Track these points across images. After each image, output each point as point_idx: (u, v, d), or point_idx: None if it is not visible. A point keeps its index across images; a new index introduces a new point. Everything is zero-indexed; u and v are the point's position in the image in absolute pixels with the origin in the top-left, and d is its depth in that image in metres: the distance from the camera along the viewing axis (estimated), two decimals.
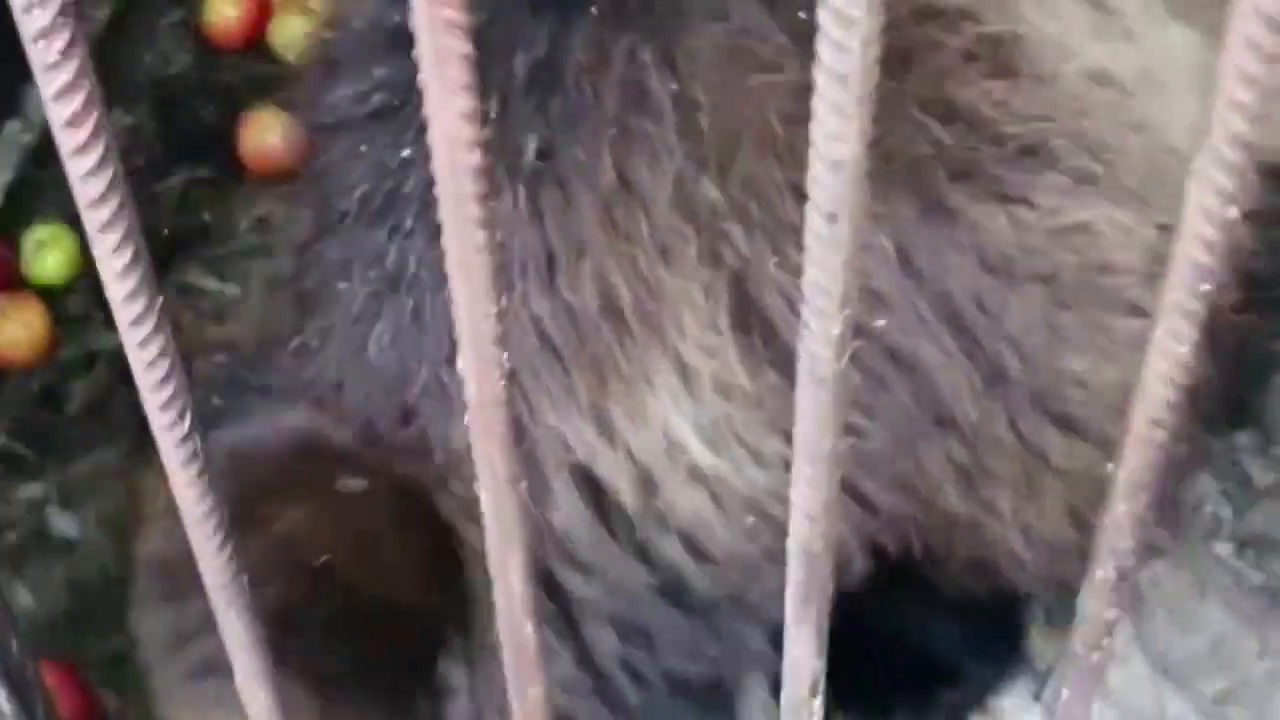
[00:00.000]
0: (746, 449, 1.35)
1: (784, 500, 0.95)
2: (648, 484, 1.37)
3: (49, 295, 2.47)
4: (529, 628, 0.94)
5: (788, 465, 0.88)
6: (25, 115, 2.73)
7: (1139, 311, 1.41)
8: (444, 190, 0.67)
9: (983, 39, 1.38)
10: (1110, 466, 0.85)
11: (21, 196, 2.64)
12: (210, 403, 1.33)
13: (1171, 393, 0.76)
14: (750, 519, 1.37)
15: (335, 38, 1.52)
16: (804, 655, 0.96)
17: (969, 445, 1.44)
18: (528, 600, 0.92)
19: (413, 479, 1.29)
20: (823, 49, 0.60)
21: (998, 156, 1.37)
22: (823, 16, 0.58)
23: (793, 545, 0.89)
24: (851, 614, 1.87)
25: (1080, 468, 1.48)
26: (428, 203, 1.28)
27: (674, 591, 1.38)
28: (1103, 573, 0.90)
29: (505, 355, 0.78)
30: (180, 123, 2.74)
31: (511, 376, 0.81)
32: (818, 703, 0.99)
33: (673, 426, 1.35)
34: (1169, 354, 0.74)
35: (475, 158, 0.65)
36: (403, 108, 1.38)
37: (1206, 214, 0.66)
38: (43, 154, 2.68)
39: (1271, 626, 1.78)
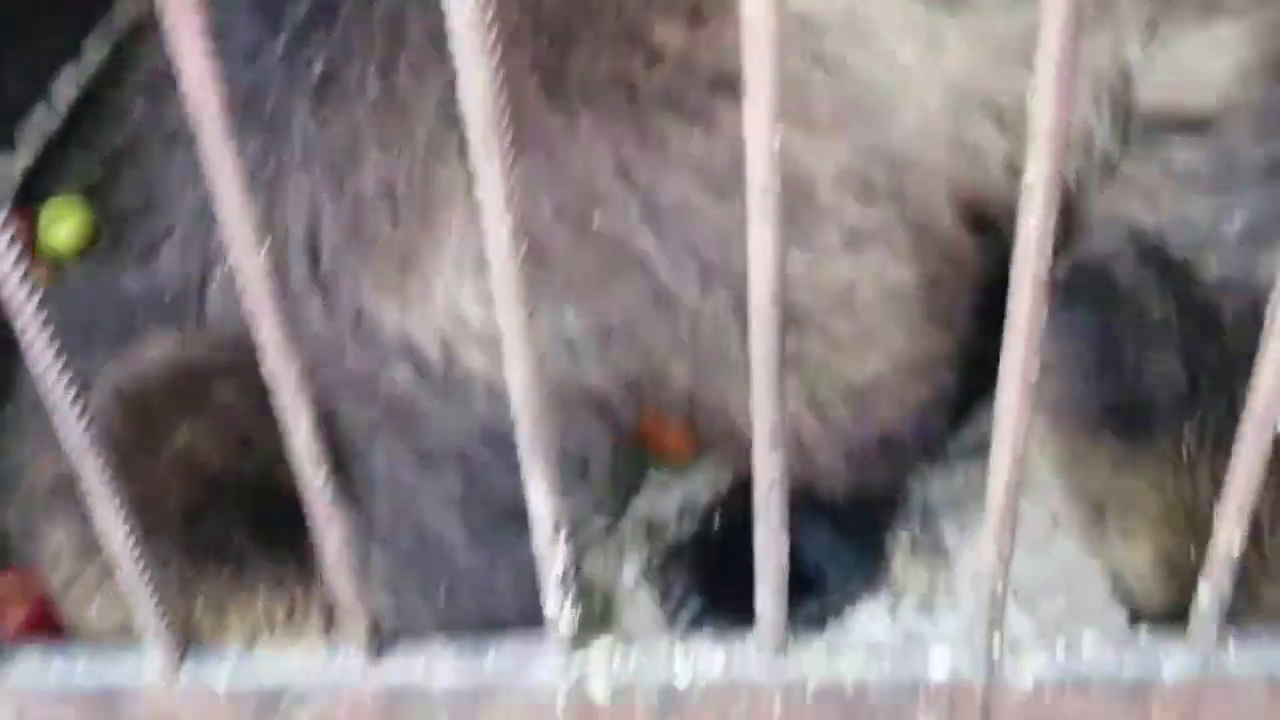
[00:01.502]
0: None
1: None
2: (448, 349, 1.60)
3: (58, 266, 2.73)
4: (319, 480, 1.17)
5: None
6: (50, 103, 3.04)
7: (838, 220, 1.62)
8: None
9: None
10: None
11: (41, 175, 2.94)
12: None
13: None
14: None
15: None
16: (541, 502, 1.17)
17: (694, 325, 1.64)
18: (315, 452, 1.15)
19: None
20: None
21: (695, 86, 1.58)
22: None
23: (519, 405, 1.11)
24: (726, 520, 2.09)
25: (810, 361, 1.68)
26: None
27: (492, 438, 1.59)
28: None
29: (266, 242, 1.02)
30: None
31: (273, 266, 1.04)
32: (562, 543, 1.20)
33: (456, 300, 1.58)
34: None
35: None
36: None
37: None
38: (64, 137, 2.98)
39: None
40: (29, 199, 2.90)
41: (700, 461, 2.25)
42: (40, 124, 3.03)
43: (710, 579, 2.07)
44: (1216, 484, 1.48)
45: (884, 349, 1.75)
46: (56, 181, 2.95)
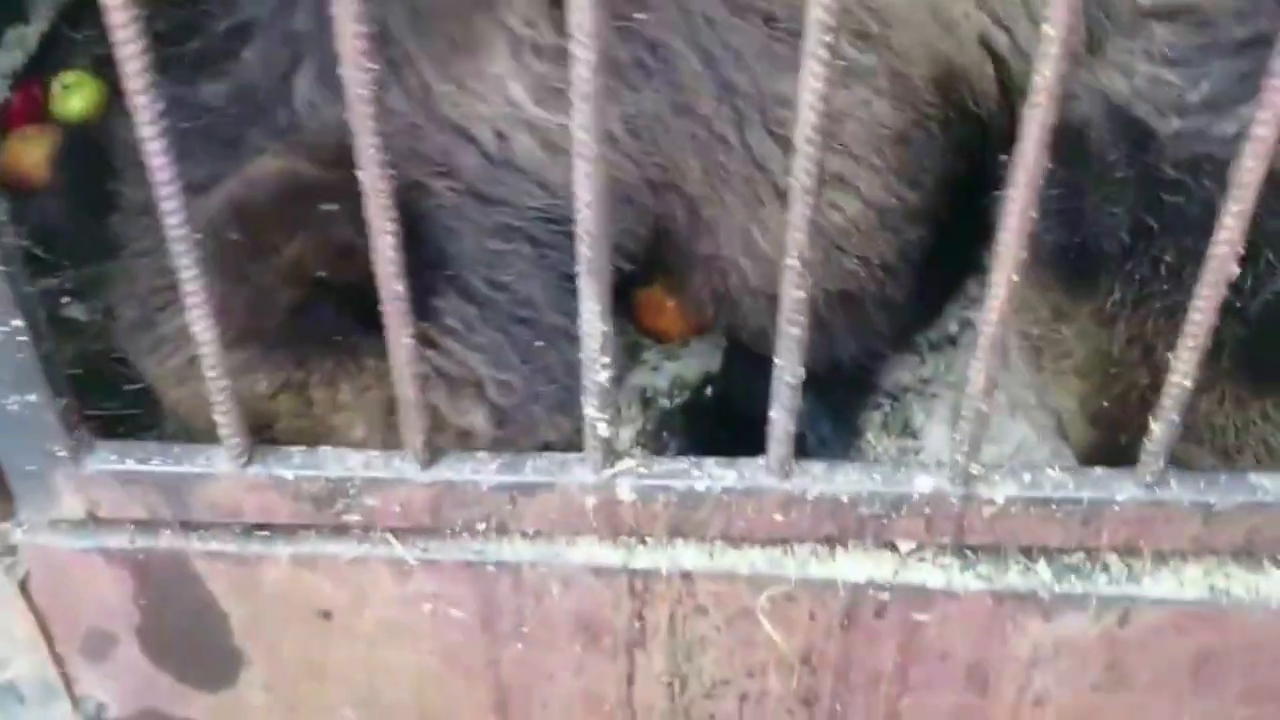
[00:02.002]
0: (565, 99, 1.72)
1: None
2: (500, 135, 1.74)
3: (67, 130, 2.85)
4: (399, 285, 1.33)
5: None
6: None
7: (836, 52, 1.80)
8: None
9: None
10: None
11: (54, 46, 3.04)
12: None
13: None
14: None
15: None
16: (592, 320, 1.34)
17: (706, 134, 1.81)
18: (397, 261, 1.31)
19: None
20: None
21: None
22: None
23: (580, 230, 1.27)
24: (717, 392, 2.27)
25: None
26: None
27: (548, 219, 1.75)
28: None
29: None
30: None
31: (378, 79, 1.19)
32: (608, 359, 1.37)
33: (510, 88, 1.74)
34: None
35: None
36: None
37: None
38: (76, 12, 3.09)
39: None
40: (42, 70, 3.02)
41: (691, 343, 2.42)
42: None
43: (701, 444, 2.24)
44: (1131, 340, 1.69)
45: (860, 191, 1.90)
46: (67, 55, 3.06)
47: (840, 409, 2.26)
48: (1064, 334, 1.77)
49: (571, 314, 1.39)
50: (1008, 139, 2.07)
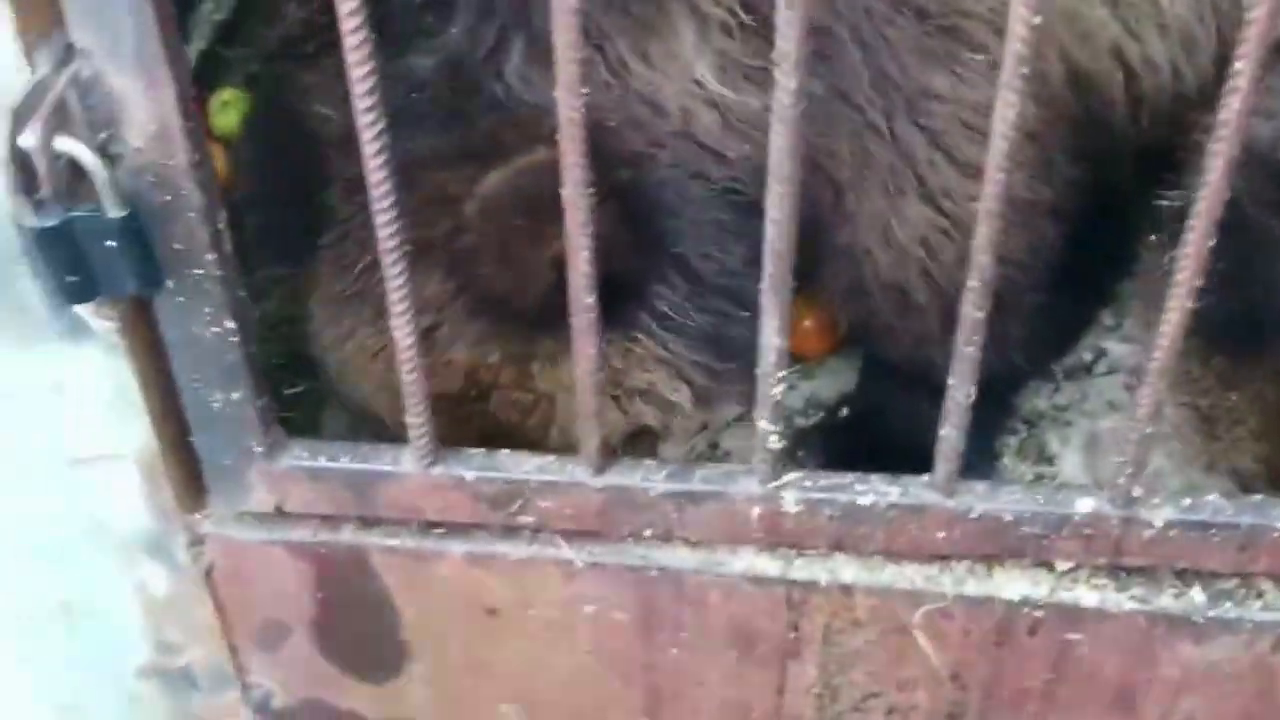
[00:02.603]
0: (747, 77, 1.76)
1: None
2: (685, 111, 1.79)
3: (227, 145, 2.97)
4: (589, 298, 1.40)
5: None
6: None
7: (984, 49, 1.84)
8: None
9: None
10: None
11: (210, 64, 3.17)
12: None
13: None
14: (754, 133, 1.76)
15: None
16: (771, 336, 1.40)
17: (859, 122, 1.85)
18: (590, 275, 1.38)
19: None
20: None
21: None
22: None
23: (767, 247, 1.33)
24: (853, 413, 2.32)
25: (937, 184, 1.89)
26: None
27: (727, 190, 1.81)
28: None
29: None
30: None
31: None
32: (782, 373, 1.43)
33: (695, 65, 1.78)
34: None
35: None
36: None
37: None
38: (230, 31, 3.22)
39: None
40: (200, 87, 3.14)
41: (826, 362, 2.47)
42: (209, 17, 3.27)
43: (835, 464, 2.27)
44: None
45: None
46: (224, 73, 3.19)
47: (979, 431, 2.29)
48: (1234, 400, 1.78)
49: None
50: (1135, 153, 2.14)
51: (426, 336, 1.74)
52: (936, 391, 2.14)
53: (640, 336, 1.81)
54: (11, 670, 1.77)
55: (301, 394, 2.24)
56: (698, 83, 1.78)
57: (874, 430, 2.27)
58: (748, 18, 1.73)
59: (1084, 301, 2.47)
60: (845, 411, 2.41)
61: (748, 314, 1.42)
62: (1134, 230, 2.28)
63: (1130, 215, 2.23)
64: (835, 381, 2.45)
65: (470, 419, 1.86)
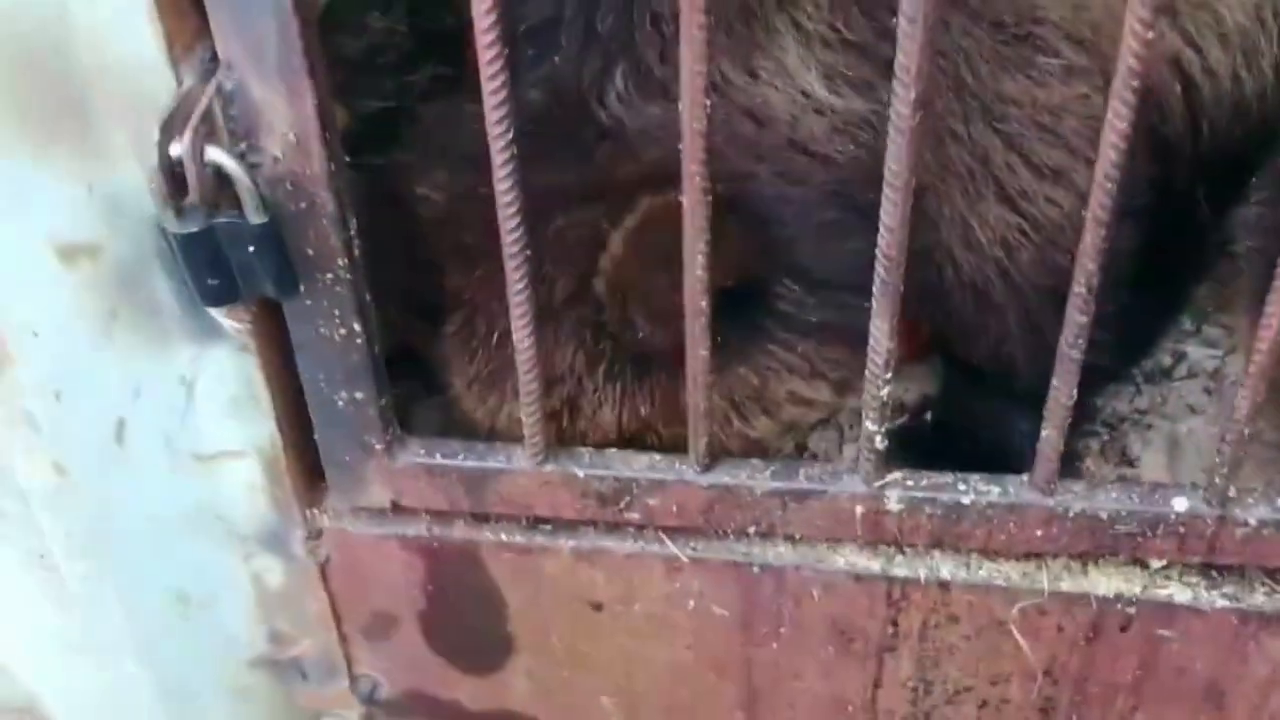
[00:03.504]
0: (850, 84, 1.82)
1: (879, 120, 1.33)
2: (793, 120, 1.84)
3: None
4: (703, 302, 1.45)
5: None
6: None
7: (1056, 54, 1.90)
8: None
9: None
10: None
11: None
12: None
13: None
14: (861, 134, 1.83)
15: None
16: (880, 339, 1.45)
17: (938, 128, 1.90)
18: (704, 280, 1.43)
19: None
20: None
21: None
22: None
23: (880, 252, 1.38)
24: (936, 417, 2.36)
25: (1014, 187, 1.94)
26: None
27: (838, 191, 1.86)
28: None
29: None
30: (427, 26, 3.30)
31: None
32: (889, 375, 1.48)
33: (800, 76, 1.83)
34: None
35: None
36: None
37: None
38: None
39: None
40: None
41: (908, 368, 2.51)
42: None
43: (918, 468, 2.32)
44: None
45: (1076, 185, 1.97)
46: None
47: None
48: None
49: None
50: (1197, 159, 2.18)
51: (570, 406, 1.83)
52: (1017, 393, 2.20)
53: (773, 349, 1.86)
54: (130, 658, 1.83)
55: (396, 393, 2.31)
56: (805, 93, 1.83)
57: (957, 433, 2.31)
58: (848, 34, 1.79)
59: (1161, 305, 2.51)
60: (929, 415, 2.45)
61: (869, 304, 1.46)
62: (1207, 236, 2.32)
63: (1202, 220, 2.27)
64: (918, 386, 2.49)
65: None
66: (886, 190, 1.33)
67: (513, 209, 1.40)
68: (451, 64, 3.28)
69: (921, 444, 2.39)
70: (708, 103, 1.31)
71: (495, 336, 1.84)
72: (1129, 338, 2.36)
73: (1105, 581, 1.64)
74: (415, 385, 2.45)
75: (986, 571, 1.65)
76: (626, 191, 1.74)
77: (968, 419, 2.29)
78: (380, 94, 3.13)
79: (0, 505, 1.69)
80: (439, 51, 3.23)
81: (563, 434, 1.82)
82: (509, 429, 1.85)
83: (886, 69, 1.30)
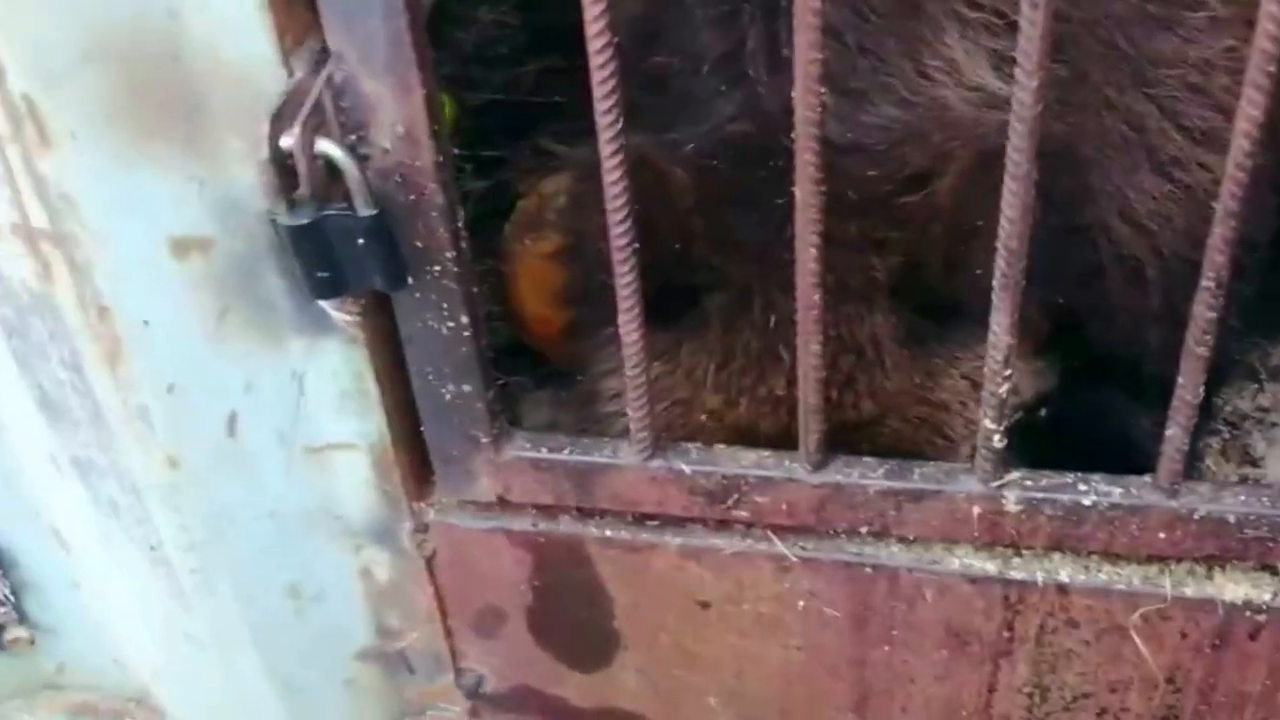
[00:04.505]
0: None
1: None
2: (975, 118, 1.77)
3: None
4: (816, 295, 1.42)
5: None
6: None
7: (1202, 5, 1.86)
8: None
9: None
10: None
11: None
12: None
13: None
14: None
15: None
16: (1001, 333, 1.41)
17: (1095, 99, 1.86)
18: (818, 273, 1.40)
19: None
20: None
21: None
22: None
23: (1000, 245, 1.34)
24: (1048, 418, 2.30)
25: (1166, 154, 1.89)
26: None
27: None
28: None
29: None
30: (539, 19, 3.30)
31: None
32: (1009, 372, 1.44)
33: (963, 65, 1.80)
34: None
35: None
36: None
37: None
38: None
39: None
40: None
41: (1025, 363, 2.46)
42: None
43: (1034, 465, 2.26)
44: None
45: (1225, 147, 1.92)
46: None
47: None
48: None
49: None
50: None
51: (867, 374, 1.76)
52: (1141, 385, 2.13)
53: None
54: (245, 648, 1.85)
55: (503, 387, 2.31)
56: (978, 87, 1.79)
57: (1074, 432, 2.25)
58: (1011, 14, 1.75)
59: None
60: (1044, 412, 2.39)
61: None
62: None
63: None
64: (1034, 382, 2.44)
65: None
66: (1008, 180, 1.29)
67: (618, 199, 1.38)
68: (564, 58, 3.29)
69: (1038, 440, 2.34)
70: (823, 91, 1.28)
71: (769, 319, 1.74)
72: (1257, 328, 2.29)
73: (1232, 587, 1.58)
74: (525, 380, 2.47)
75: (1107, 575, 1.60)
76: (904, 177, 1.71)
77: (1086, 415, 2.23)
78: (490, 87, 3.15)
79: (113, 499, 1.71)
80: (551, 45, 3.24)
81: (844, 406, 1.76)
82: (743, 420, 1.78)
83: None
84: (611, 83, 1.32)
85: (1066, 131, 1.81)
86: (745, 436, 1.74)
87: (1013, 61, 1.26)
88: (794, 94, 1.28)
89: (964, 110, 1.79)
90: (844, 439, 1.68)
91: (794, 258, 1.40)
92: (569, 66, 3.22)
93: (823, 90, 1.28)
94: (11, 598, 1.97)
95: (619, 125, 1.35)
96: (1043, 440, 2.34)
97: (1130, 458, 2.13)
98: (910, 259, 1.73)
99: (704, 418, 1.78)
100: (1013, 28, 1.74)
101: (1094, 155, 1.89)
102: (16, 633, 2.01)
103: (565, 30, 3.29)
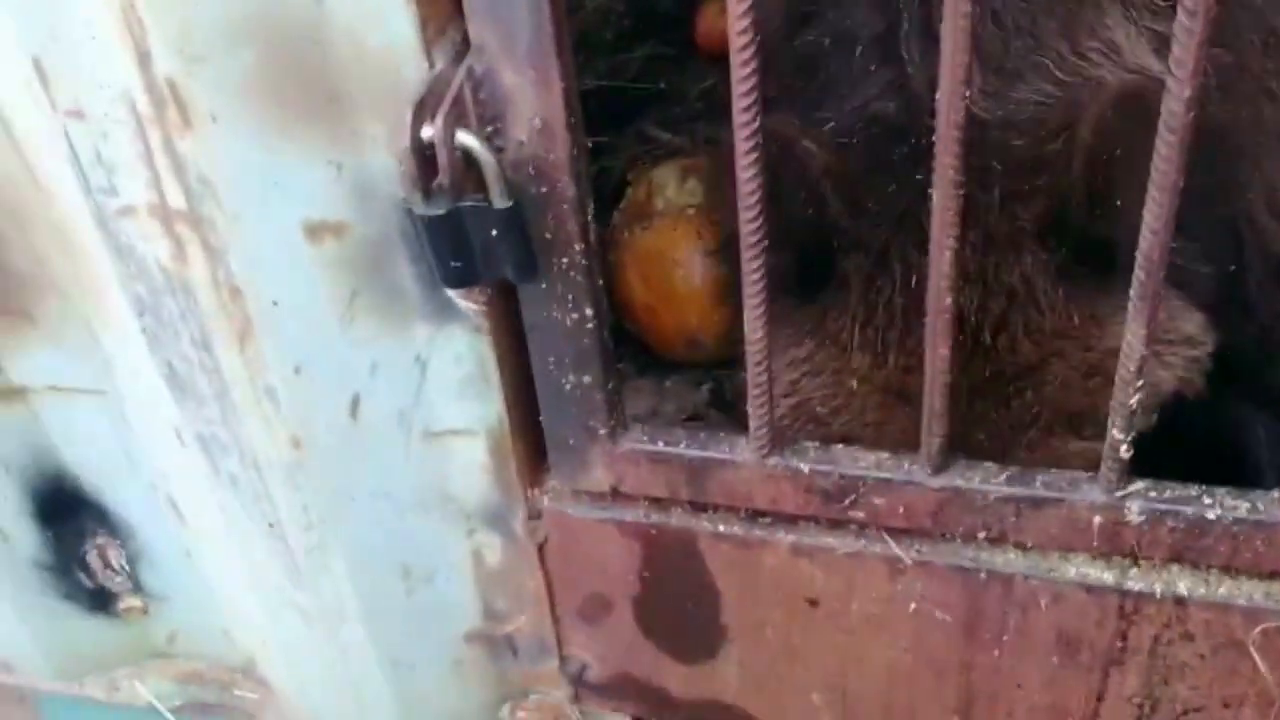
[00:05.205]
0: None
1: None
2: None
3: None
4: (948, 299, 1.41)
5: None
6: None
7: None
8: None
9: None
10: None
11: None
12: None
13: None
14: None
15: None
16: (1137, 342, 1.39)
17: (1254, 88, 1.83)
18: (951, 276, 1.39)
19: None
20: None
21: None
22: None
23: (1140, 255, 1.33)
24: (1183, 417, 2.27)
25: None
26: None
27: None
28: None
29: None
30: (644, 5, 3.30)
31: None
32: (1141, 381, 1.42)
33: (1125, 47, 1.77)
34: None
35: None
36: None
37: None
38: None
39: None
40: None
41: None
42: None
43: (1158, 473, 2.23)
44: None
45: None
46: None
47: None
48: None
49: None
50: None
51: (1021, 314, 1.72)
52: (1267, 392, 2.09)
53: None
54: (354, 624, 1.87)
55: None
56: (1140, 69, 1.76)
57: (1199, 439, 2.21)
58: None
59: None
60: (1153, 418, 2.36)
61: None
62: None
63: None
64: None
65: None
66: (1152, 190, 1.28)
67: (753, 197, 1.38)
68: (670, 44, 3.28)
69: (1165, 447, 2.30)
70: (967, 93, 1.27)
71: (910, 276, 1.72)
72: None
73: None
74: (627, 368, 2.47)
75: (1227, 589, 1.58)
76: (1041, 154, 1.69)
77: (1206, 424, 2.20)
78: (594, 73, 3.15)
79: (234, 474, 1.73)
80: (657, 31, 3.23)
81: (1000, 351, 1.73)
82: (899, 366, 1.75)
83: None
84: (753, 79, 1.31)
85: (1222, 119, 1.78)
86: (897, 397, 1.74)
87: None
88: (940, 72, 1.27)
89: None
90: (1006, 393, 1.68)
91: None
92: (674, 53, 3.21)
93: (969, 62, 1.26)
94: (127, 567, 2.01)
95: (756, 123, 1.34)
96: (1152, 438, 2.32)
97: (1243, 466, 2.11)
98: (1055, 201, 1.70)
99: (854, 384, 1.77)
100: (1174, 8, 1.75)
101: (1247, 145, 1.85)
102: (131, 601, 2.05)
103: (670, 17, 3.28)
